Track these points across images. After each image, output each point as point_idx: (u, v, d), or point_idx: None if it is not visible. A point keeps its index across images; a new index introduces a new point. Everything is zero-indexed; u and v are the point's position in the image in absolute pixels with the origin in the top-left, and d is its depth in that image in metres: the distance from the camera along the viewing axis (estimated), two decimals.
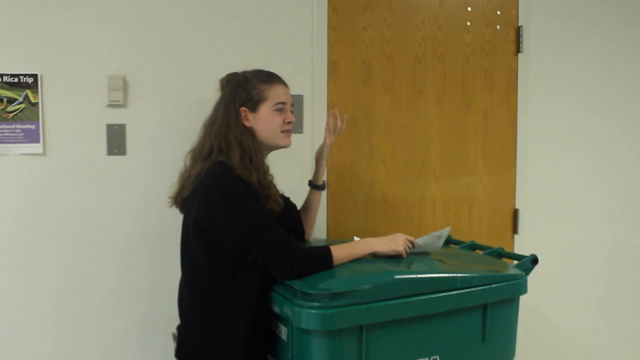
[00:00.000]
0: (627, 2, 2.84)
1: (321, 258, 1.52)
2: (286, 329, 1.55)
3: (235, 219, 1.49)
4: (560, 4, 2.70)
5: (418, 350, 1.57)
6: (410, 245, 1.68)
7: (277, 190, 1.68)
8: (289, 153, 2.24)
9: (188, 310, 1.62)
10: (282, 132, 1.68)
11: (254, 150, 1.60)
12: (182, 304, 1.65)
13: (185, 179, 1.64)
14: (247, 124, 1.64)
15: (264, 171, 1.62)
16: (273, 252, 1.49)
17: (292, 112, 1.73)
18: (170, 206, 1.70)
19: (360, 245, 1.60)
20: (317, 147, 2.27)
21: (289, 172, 2.26)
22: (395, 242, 1.63)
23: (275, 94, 1.66)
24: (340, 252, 1.55)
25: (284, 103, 1.67)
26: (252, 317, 1.56)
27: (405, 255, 1.65)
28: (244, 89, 1.64)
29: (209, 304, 1.56)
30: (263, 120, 1.65)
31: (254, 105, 1.64)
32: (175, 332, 1.66)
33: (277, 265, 1.49)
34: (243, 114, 1.64)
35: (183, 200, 1.64)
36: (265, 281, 1.58)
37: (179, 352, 1.62)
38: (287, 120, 1.69)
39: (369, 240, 1.63)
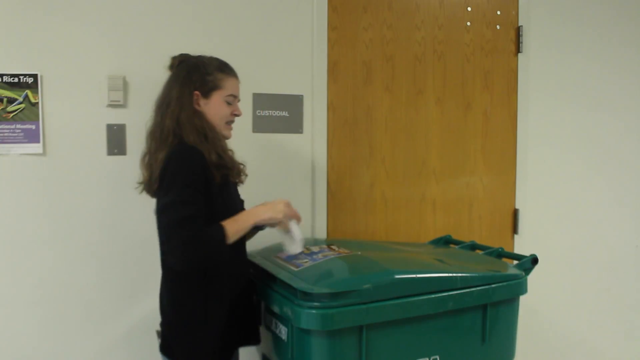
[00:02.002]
0: (627, 2, 2.84)
1: (217, 239, 1.47)
2: (286, 329, 1.55)
3: (174, 195, 1.47)
4: (560, 4, 2.70)
5: (418, 350, 1.57)
6: (293, 215, 1.63)
7: (241, 165, 1.68)
8: (288, 153, 2.25)
9: (165, 304, 1.63)
10: (226, 123, 1.68)
11: (208, 128, 1.60)
12: (161, 299, 1.66)
13: (153, 163, 1.60)
14: (197, 107, 1.63)
15: (222, 147, 1.61)
16: (165, 239, 1.47)
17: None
18: (141, 192, 1.68)
19: (243, 218, 1.56)
20: (317, 147, 2.28)
21: (289, 173, 2.26)
22: (273, 210, 1.59)
23: (230, 85, 1.67)
24: (233, 230, 1.51)
25: (235, 96, 1.69)
26: (226, 306, 1.56)
27: (286, 224, 1.62)
28: (200, 73, 1.63)
29: (182, 296, 1.57)
30: (212, 108, 1.64)
31: (207, 91, 1.64)
32: (159, 328, 1.66)
33: (179, 252, 1.43)
34: (195, 97, 1.62)
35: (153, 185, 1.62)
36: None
37: (162, 348, 1.63)
38: (234, 113, 1.70)
39: (251, 211, 1.59)
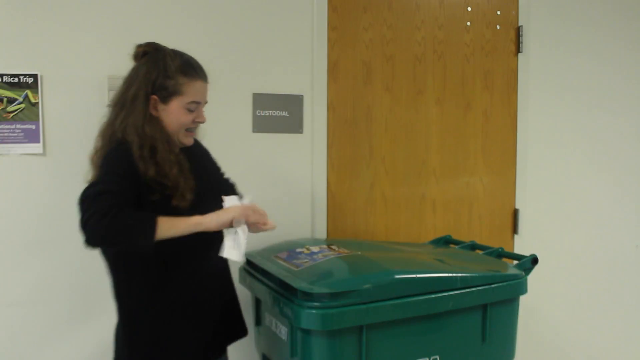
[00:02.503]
0: (627, 2, 2.84)
1: (143, 222, 1.32)
2: (286, 329, 1.55)
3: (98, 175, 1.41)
4: (560, 4, 2.70)
5: (418, 350, 1.57)
6: (256, 220, 1.47)
7: (190, 184, 1.47)
8: (288, 153, 2.25)
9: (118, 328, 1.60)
10: (186, 130, 1.52)
11: (160, 138, 1.44)
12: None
13: (97, 161, 1.50)
14: (154, 113, 1.47)
15: (169, 162, 1.44)
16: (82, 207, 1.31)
17: (203, 111, 1.56)
18: None
19: (185, 220, 1.37)
20: (317, 147, 2.28)
21: (289, 173, 2.26)
22: (225, 213, 1.42)
23: (192, 91, 1.49)
24: (167, 225, 1.34)
25: (198, 103, 1.51)
26: (184, 324, 1.50)
27: (241, 222, 1.43)
28: (160, 75, 1.46)
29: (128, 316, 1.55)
30: (170, 115, 1.48)
31: (166, 96, 1.47)
32: None
33: (91, 225, 1.28)
34: (152, 102, 1.47)
35: None
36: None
37: None
38: (196, 120, 1.53)
39: (199, 218, 1.39)
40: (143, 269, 1.48)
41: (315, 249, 1.78)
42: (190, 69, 1.51)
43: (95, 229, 1.29)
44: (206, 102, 1.57)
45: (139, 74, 1.49)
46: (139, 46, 1.53)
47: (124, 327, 1.54)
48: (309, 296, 1.45)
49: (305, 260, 1.66)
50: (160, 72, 1.47)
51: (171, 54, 1.52)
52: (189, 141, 1.55)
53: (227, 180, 1.80)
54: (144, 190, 1.40)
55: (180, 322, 1.51)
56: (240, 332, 1.69)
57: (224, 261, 1.57)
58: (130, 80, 1.50)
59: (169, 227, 1.34)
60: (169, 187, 1.42)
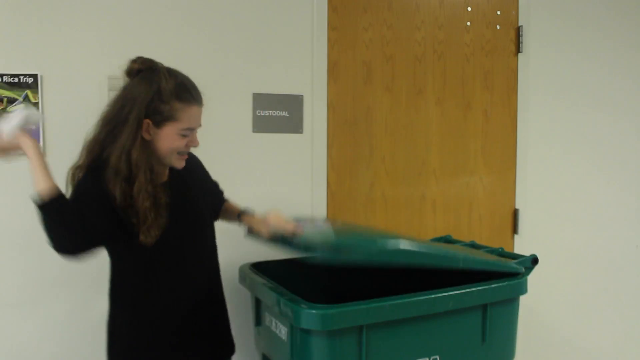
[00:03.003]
0: (626, 2, 2.84)
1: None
2: (286, 329, 1.55)
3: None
4: (560, 4, 2.70)
5: (418, 350, 1.57)
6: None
7: (160, 221, 1.41)
8: (288, 153, 2.25)
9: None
10: (178, 153, 1.47)
11: (143, 168, 1.38)
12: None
13: (74, 176, 1.44)
14: (146, 136, 1.41)
15: (144, 193, 1.38)
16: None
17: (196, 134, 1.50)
18: None
19: (30, 154, 1.32)
20: (316, 147, 2.28)
21: (289, 173, 2.26)
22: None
23: (187, 117, 1.43)
24: (37, 179, 1.29)
25: (192, 129, 1.46)
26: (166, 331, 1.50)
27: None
28: (155, 99, 1.39)
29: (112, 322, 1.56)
30: (162, 140, 1.42)
31: (160, 121, 1.41)
32: None
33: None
34: (145, 125, 1.40)
35: None
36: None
37: None
38: (189, 145, 1.47)
39: (23, 142, 1.33)
40: (129, 271, 1.50)
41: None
42: (186, 92, 1.44)
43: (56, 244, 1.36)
44: (200, 126, 1.50)
45: (133, 94, 1.41)
46: (134, 62, 1.45)
47: (108, 324, 1.55)
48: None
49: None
50: (155, 95, 1.40)
51: (166, 74, 1.43)
52: (180, 164, 1.49)
53: (217, 192, 1.80)
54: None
55: (161, 330, 1.51)
56: (226, 351, 1.68)
57: (212, 278, 1.61)
58: (124, 99, 1.42)
59: (37, 178, 1.29)
60: (135, 219, 1.37)
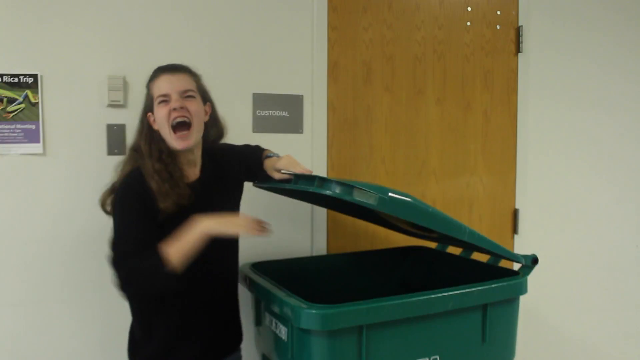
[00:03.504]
0: (627, 2, 2.84)
1: (154, 267, 1.39)
2: (286, 329, 1.55)
3: (114, 232, 1.49)
4: (560, 4, 2.70)
5: (418, 350, 1.57)
6: (260, 226, 1.49)
7: (178, 191, 1.49)
8: (288, 153, 2.25)
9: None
10: (174, 132, 1.50)
11: (148, 154, 1.50)
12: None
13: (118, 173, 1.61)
14: (155, 126, 1.55)
15: (150, 174, 1.48)
16: (114, 275, 1.45)
17: (188, 99, 1.52)
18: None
19: (191, 233, 1.42)
20: (316, 147, 2.28)
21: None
22: (231, 224, 1.47)
23: (156, 88, 1.52)
24: (174, 251, 1.40)
25: (165, 95, 1.50)
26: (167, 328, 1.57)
27: (249, 232, 1.46)
28: (147, 95, 1.58)
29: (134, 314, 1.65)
30: (157, 120, 1.53)
31: (151, 107, 1.54)
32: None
33: (119, 288, 1.45)
34: (151, 118, 1.55)
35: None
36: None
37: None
38: (171, 113, 1.48)
39: (199, 223, 1.43)
40: None
41: None
42: (156, 70, 1.56)
43: (130, 295, 1.51)
44: (186, 91, 1.52)
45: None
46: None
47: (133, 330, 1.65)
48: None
49: None
50: (146, 88, 1.59)
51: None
52: (178, 144, 1.51)
53: (252, 151, 1.82)
54: (152, 205, 1.47)
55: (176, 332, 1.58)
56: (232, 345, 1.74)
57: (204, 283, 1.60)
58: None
59: (177, 253, 1.40)
60: (155, 194, 1.47)
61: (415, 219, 1.49)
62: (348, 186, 1.39)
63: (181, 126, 1.50)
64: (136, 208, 1.46)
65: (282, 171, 1.62)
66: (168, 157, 1.51)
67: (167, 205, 1.45)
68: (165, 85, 1.51)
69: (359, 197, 1.38)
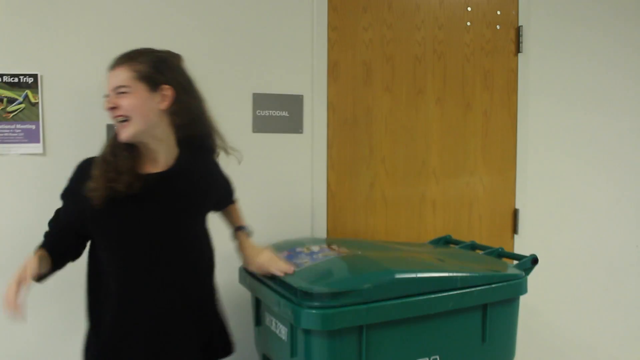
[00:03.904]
0: (627, 2, 2.84)
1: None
2: (286, 329, 1.55)
3: None
4: (560, 4, 2.70)
5: (418, 350, 1.57)
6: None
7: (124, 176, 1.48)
8: (288, 153, 2.25)
9: None
10: (114, 119, 1.50)
11: (105, 149, 1.55)
12: None
13: None
14: None
15: (98, 164, 1.50)
16: None
17: (120, 95, 1.48)
18: None
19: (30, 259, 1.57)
20: (316, 147, 2.28)
21: (289, 173, 2.26)
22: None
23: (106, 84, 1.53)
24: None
25: (107, 94, 1.50)
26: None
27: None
28: None
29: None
30: None
31: None
32: None
33: None
34: None
35: None
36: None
37: None
38: (107, 109, 1.49)
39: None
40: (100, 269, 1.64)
41: (315, 248, 1.78)
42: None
43: None
44: (117, 88, 1.48)
45: None
46: None
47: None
48: (309, 296, 1.45)
49: (305, 260, 1.66)
50: None
51: None
52: (120, 133, 1.50)
53: (226, 190, 1.82)
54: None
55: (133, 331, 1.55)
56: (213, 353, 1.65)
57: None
58: None
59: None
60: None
61: (410, 292, 1.53)
62: (335, 293, 1.45)
63: (120, 121, 1.50)
64: (72, 186, 1.55)
65: (260, 274, 1.70)
66: (119, 149, 1.52)
67: (95, 187, 1.45)
68: (107, 83, 1.51)
69: (349, 300, 1.46)
